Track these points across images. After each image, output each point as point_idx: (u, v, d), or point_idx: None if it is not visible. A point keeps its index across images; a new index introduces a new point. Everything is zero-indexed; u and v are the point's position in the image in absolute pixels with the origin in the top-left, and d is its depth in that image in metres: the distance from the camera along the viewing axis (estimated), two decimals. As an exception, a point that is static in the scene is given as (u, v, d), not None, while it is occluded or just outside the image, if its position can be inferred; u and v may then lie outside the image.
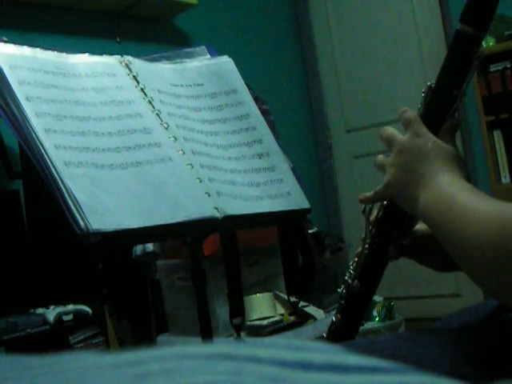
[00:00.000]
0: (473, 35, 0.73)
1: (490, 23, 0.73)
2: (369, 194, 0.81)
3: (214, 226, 1.07)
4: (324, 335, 0.90)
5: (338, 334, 0.87)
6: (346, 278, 0.87)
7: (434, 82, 0.77)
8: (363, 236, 0.86)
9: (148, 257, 2.49)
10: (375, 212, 0.84)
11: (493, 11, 0.72)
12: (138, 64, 1.20)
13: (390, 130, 0.77)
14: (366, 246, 0.85)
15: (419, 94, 0.78)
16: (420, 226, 0.84)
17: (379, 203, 0.84)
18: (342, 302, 0.87)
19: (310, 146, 3.99)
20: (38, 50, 1.10)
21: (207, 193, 1.07)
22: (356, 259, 0.87)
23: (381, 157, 0.78)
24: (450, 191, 0.67)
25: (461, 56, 0.75)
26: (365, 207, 0.84)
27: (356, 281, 0.85)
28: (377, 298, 2.58)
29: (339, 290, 0.88)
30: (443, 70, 0.76)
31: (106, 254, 2.13)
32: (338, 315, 0.88)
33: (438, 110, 0.76)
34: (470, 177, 0.72)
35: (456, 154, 0.72)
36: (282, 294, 2.38)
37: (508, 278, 0.57)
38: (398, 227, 0.83)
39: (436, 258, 0.83)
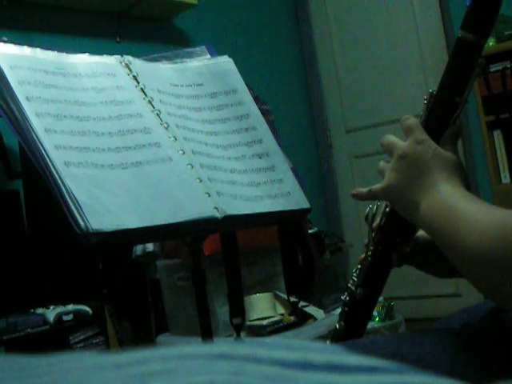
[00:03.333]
0: (474, 42, 0.73)
1: (491, 30, 0.73)
2: (363, 190, 0.81)
3: (214, 225, 1.07)
4: (328, 342, 0.90)
5: (341, 341, 0.87)
6: (350, 285, 0.87)
7: (435, 89, 0.77)
8: (366, 242, 0.86)
9: (148, 257, 2.49)
10: (378, 219, 0.84)
11: (494, 18, 0.72)
12: (138, 64, 1.20)
13: (391, 137, 0.77)
14: (369, 253, 0.85)
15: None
16: (421, 233, 0.84)
17: (382, 210, 0.84)
18: (346, 308, 0.88)
19: (310, 146, 3.99)
20: (38, 50, 1.10)
21: (207, 193, 1.07)
22: (359, 266, 0.87)
23: (382, 163, 0.78)
24: (450, 200, 0.67)
25: (462, 63, 0.74)
26: (367, 214, 0.84)
27: (359, 288, 0.85)
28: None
29: (342, 298, 0.88)
30: (445, 77, 0.76)
31: (105, 254, 2.13)
32: (342, 322, 0.88)
33: (440, 117, 0.76)
34: (470, 185, 0.72)
35: (456, 163, 0.72)
36: (282, 294, 2.38)
37: (509, 285, 0.57)
38: (401, 234, 0.83)
39: (437, 265, 0.83)
